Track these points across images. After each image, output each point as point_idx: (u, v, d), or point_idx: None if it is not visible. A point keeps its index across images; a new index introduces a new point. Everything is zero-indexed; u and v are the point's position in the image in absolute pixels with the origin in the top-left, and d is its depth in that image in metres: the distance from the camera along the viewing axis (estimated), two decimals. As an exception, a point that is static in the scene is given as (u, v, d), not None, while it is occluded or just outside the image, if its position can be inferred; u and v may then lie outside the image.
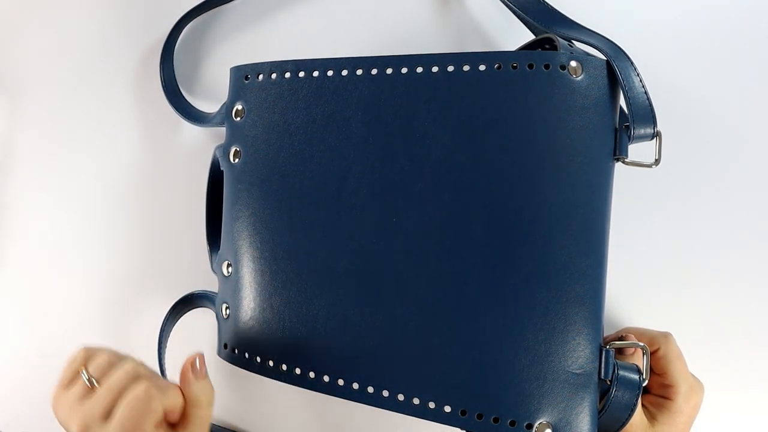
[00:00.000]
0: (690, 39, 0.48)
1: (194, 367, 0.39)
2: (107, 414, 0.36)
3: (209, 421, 0.39)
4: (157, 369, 0.47)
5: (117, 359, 0.39)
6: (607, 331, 0.44)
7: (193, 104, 0.52)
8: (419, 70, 0.40)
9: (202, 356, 0.40)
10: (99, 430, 0.36)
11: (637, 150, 0.41)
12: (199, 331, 0.51)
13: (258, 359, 0.42)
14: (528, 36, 0.47)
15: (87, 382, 0.38)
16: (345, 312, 0.40)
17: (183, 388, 0.39)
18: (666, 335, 0.42)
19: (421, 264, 0.39)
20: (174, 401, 0.38)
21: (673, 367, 0.40)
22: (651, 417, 0.40)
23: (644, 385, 0.38)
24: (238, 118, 0.44)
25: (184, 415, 0.38)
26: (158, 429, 0.36)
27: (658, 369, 0.41)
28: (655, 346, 0.41)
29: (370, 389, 0.39)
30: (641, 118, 0.38)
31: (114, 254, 0.54)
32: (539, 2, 0.45)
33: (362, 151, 0.40)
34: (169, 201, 0.54)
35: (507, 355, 0.37)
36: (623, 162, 0.39)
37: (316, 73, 0.42)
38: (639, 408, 0.38)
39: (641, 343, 0.39)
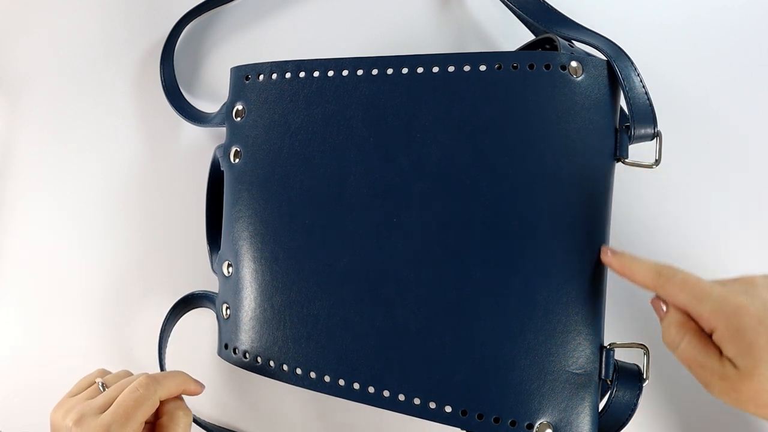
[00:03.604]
0: (690, 39, 0.48)
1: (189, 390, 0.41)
2: (106, 408, 0.37)
3: None
4: (157, 369, 0.47)
5: (132, 376, 0.40)
6: (607, 330, 0.44)
7: (193, 104, 0.52)
8: (420, 70, 0.40)
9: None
10: (92, 420, 0.36)
11: (638, 150, 0.41)
12: (199, 331, 0.51)
13: (259, 359, 0.42)
14: (528, 36, 0.47)
15: (100, 387, 0.39)
16: (346, 312, 0.40)
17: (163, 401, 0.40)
18: (664, 275, 0.33)
19: (421, 264, 0.39)
20: (169, 389, 0.39)
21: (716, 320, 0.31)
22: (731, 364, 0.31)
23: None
24: (239, 119, 0.44)
25: (161, 428, 0.39)
26: (140, 430, 0.37)
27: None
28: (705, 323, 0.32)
29: (371, 389, 0.39)
30: (642, 118, 0.39)
31: (114, 254, 0.54)
32: (539, 2, 0.45)
33: (363, 152, 0.40)
34: (169, 201, 0.54)
35: (507, 356, 0.37)
36: (623, 162, 0.39)
37: (316, 74, 0.42)
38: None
39: (641, 343, 0.39)
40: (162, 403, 0.39)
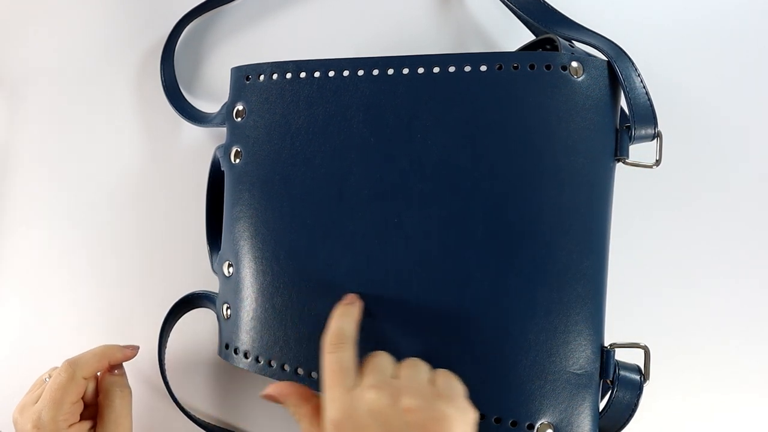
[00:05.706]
0: (690, 39, 0.48)
1: (112, 366, 0.43)
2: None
3: (126, 422, 0.42)
4: (157, 369, 0.47)
5: None
6: (607, 330, 0.44)
7: (193, 104, 0.52)
8: (420, 70, 0.40)
9: (121, 364, 0.44)
10: (30, 410, 0.40)
11: (638, 150, 0.41)
12: (199, 331, 0.51)
13: (259, 360, 0.42)
14: (529, 36, 0.47)
15: (46, 381, 0.43)
16: (346, 312, 0.40)
17: (100, 380, 0.43)
18: None
19: (422, 265, 0.39)
20: (91, 366, 0.42)
21: None
22: None
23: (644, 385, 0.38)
24: (239, 119, 0.44)
25: (100, 407, 0.42)
26: (76, 411, 0.40)
27: None
28: None
29: (372, 390, 0.39)
30: (642, 118, 0.39)
31: (114, 254, 0.54)
32: (540, 2, 0.45)
33: (364, 152, 0.40)
34: (169, 201, 0.54)
35: (508, 356, 0.37)
36: (624, 162, 0.40)
37: (317, 74, 0.42)
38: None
39: (642, 344, 0.39)
40: (101, 379, 0.43)
